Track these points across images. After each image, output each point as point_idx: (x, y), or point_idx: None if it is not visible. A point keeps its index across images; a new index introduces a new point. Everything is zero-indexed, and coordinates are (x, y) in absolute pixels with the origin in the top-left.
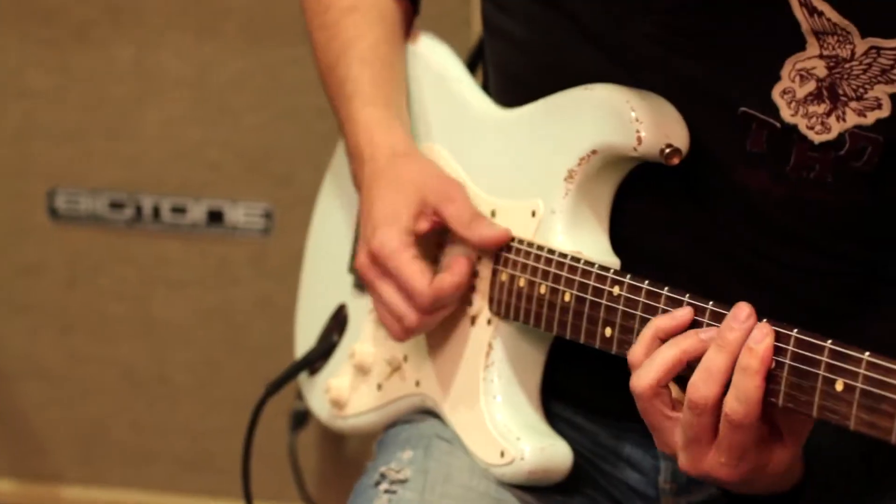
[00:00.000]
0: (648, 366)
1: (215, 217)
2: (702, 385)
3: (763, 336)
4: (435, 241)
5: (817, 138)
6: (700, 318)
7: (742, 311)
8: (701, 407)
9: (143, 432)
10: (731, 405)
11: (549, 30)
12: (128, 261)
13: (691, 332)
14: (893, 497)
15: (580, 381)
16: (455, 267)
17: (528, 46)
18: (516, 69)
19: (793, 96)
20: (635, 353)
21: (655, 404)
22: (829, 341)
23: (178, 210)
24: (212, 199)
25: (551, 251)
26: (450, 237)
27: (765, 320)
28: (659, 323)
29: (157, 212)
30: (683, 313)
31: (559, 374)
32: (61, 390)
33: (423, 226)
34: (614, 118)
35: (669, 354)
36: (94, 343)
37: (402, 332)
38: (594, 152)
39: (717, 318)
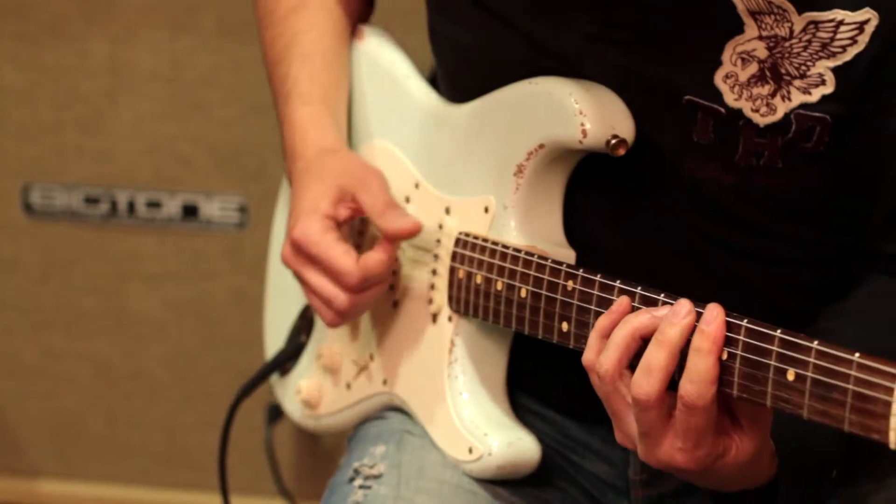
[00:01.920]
0: (605, 351)
1: (190, 211)
2: (644, 381)
3: (713, 318)
4: (357, 229)
5: (763, 121)
6: (637, 307)
7: (682, 307)
8: (644, 403)
9: (119, 427)
10: (686, 387)
11: (490, 36)
12: (103, 256)
13: (643, 309)
14: (873, 491)
15: (547, 377)
16: (380, 245)
17: (471, 52)
18: (461, 74)
19: (735, 80)
20: (587, 357)
21: (618, 388)
22: (779, 331)
23: (154, 205)
24: (187, 193)
25: (506, 247)
26: (370, 225)
27: (724, 313)
28: (601, 322)
29: (132, 206)
30: (620, 302)
31: (526, 369)
32: (36, 386)
33: (343, 213)
34: (559, 111)
35: (622, 333)
36: (70, 338)
37: (334, 317)
38: (541, 146)
39: (649, 303)
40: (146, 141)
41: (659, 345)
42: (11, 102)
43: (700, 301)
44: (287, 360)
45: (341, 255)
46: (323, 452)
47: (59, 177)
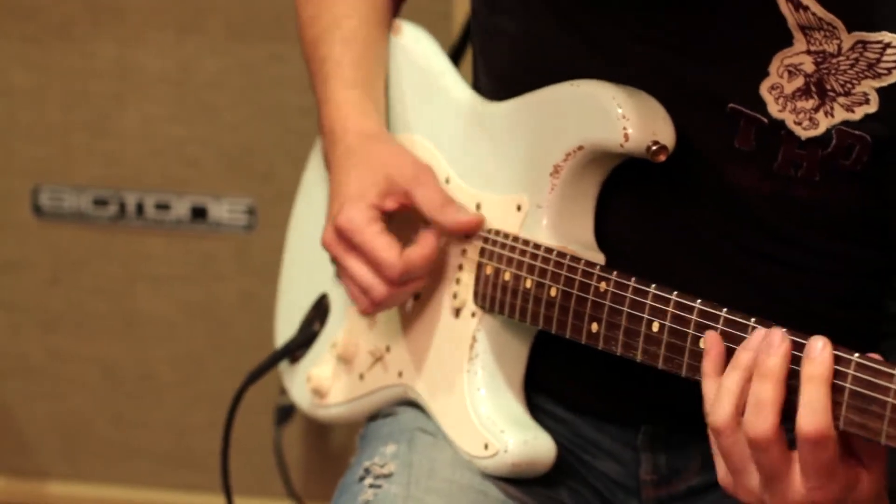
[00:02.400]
0: (718, 401)
1: (199, 213)
2: (756, 420)
3: (822, 347)
4: (397, 224)
5: (804, 134)
6: (712, 324)
7: (775, 336)
8: (763, 442)
9: (127, 428)
10: (807, 420)
11: (540, 28)
12: (111, 257)
13: (741, 348)
14: None
15: (560, 376)
16: (423, 240)
17: (518, 45)
18: (506, 67)
19: (780, 92)
20: (707, 405)
21: (739, 438)
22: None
23: (162, 206)
24: (195, 195)
25: (537, 245)
26: (411, 222)
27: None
28: (706, 369)
29: (140, 208)
30: (710, 340)
31: (539, 367)
32: (44, 387)
33: (390, 205)
34: (601, 114)
35: (733, 378)
36: (78, 339)
37: (369, 305)
38: (580, 148)
39: (703, 315)
40: (155, 143)
41: (762, 378)
42: (20, 104)
43: (731, 307)
44: (298, 347)
45: (385, 247)
46: (332, 454)
47: (67, 178)
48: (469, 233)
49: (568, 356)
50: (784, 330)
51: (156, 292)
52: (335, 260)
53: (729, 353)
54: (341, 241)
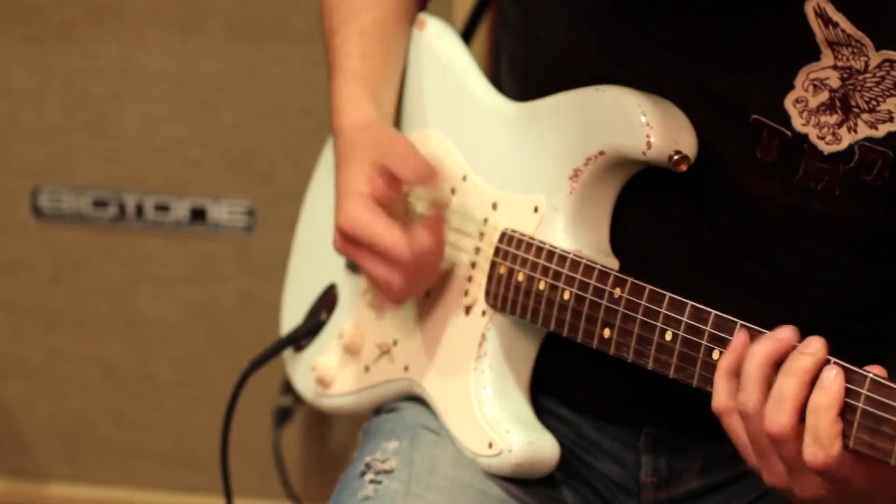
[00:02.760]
0: (744, 389)
1: (198, 214)
2: (777, 414)
3: (833, 377)
4: (402, 209)
5: (827, 149)
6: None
7: (816, 343)
8: (781, 436)
9: (128, 429)
10: (810, 449)
11: (564, 29)
12: (111, 258)
13: (762, 337)
14: None
15: (565, 379)
16: (429, 221)
17: (542, 46)
18: (529, 65)
19: (805, 105)
20: (719, 402)
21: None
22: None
23: (162, 208)
24: (195, 196)
25: (553, 247)
26: (412, 203)
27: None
28: (725, 363)
29: (140, 209)
30: (739, 338)
31: (545, 369)
32: (45, 388)
33: (381, 186)
34: (625, 121)
35: (755, 364)
36: (78, 340)
37: (396, 294)
38: (601, 153)
39: (718, 324)
40: (155, 144)
41: (789, 373)
42: (20, 105)
43: (743, 317)
44: (304, 336)
45: (389, 236)
46: (331, 455)
47: (67, 179)
48: (424, 180)
49: (573, 357)
50: (821, 339)
51: (156, 293)
52: (355, 262)
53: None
54: (349, 243)
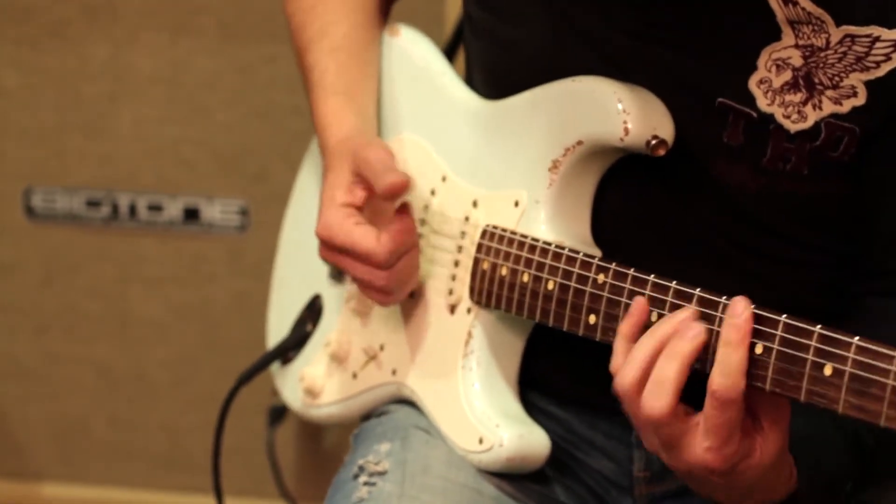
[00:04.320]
0: (629, 364)
1: (191, 214)
2: (654, 399)
3: (742, 310)
4: (390, 209)
5: (793, 127)
6: (680, 302)
7: (693, 324)
8: (658, 419)
9: (121, 430)
10: (718, 381)
11: (530, 27)
12: (104, 259)
13: (664, 319)
14: (885, 488)
15: (554, 371)
16: (395, 215)
17: (510, 45)
18: (502, 68)
19: (769, 86)
20: (615, 362)
21: (639, 402)
22: (819, 326)
23: (155, 208)
24: (188, 196)
25: (535, 239)
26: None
27: (753, 306)
28: (623, 329)
29: (133, 210)
30: (637, 305)
31: (533, 363)
32: (38, 389)
33: (359, 194)
34: (601, 109)
35: (644, 348)
36: (71, 341)
37: (382, 295)
38: (580, 143)
39: (704, 303)
40: (147, 144)
41: (670, 358)
42: (13, 105)
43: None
44: (290, 348)
45: (361, 236)
46: (325, 455)
47: (60, 180)
48: (396, 193)
49: (564, 353)
50: (700, 324)
51: (149, 293)
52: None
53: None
54: (329, 249)
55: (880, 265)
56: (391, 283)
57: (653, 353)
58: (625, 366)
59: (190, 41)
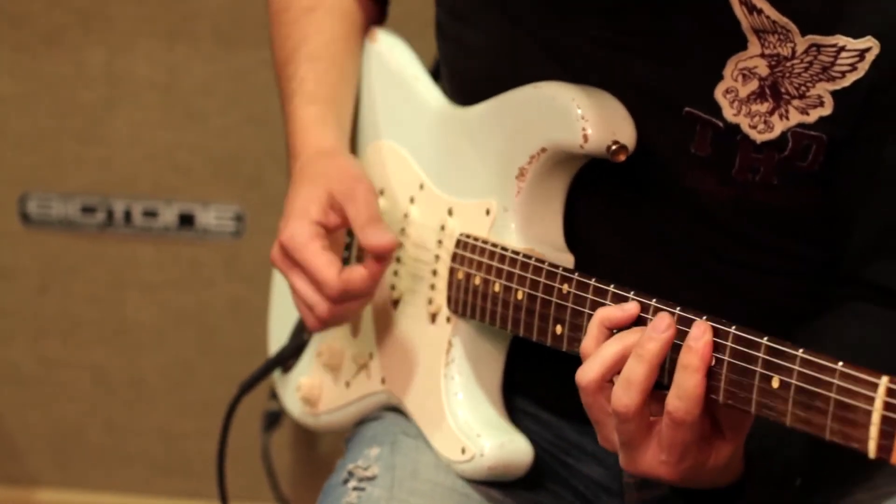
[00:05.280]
0: (592, 360)
1: (186, 220)
2: (623, 395)
3: (701, 334)
4: (340, 245)
5: (760, 137)
6: (645, 315)
7: (661, 321)
8: (623, 415)
9: (118, 435)
10: (674, 403)
11: (499, 36)
12: (100, 265)
13: (637, 328)
14: (835, 493)
15: (542, 380)
16: (366, 261)
17: (479, 52)
18: (468, 75)
19: (735, 95)
20: (585, 344)
21: (599, 399)
22: (766, 338)
23: (150, 214)
24: (183, 202)
25: (504, 249)
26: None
27: (704, 317)
28: (605, 313)
29: (128, 215)
30: (630, 306)
31: (522, 371)
32: (35, 394)
33: (332, 220)
34: (561, 116)
35: (613, 349)
36: (68, 347)
37: (315, 322)
38: (543, 150)
39: (684, 322)
40: (143, 150)
41: (639, 359)
42: (9, 112)
43: (695, 307)
44: (289, 357)
45: (324, 265)
46: (320, 459)
47: (55, 186)
48: (384, 253)
49: (551, 360)
50: (671, 317)
51: (144, 299)
52: (283, 275)
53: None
54: (286, 258)
55: (851, 272)
56: (329, 318)
57: (617, 358)
58: (592, 360)
59: (185, 47)
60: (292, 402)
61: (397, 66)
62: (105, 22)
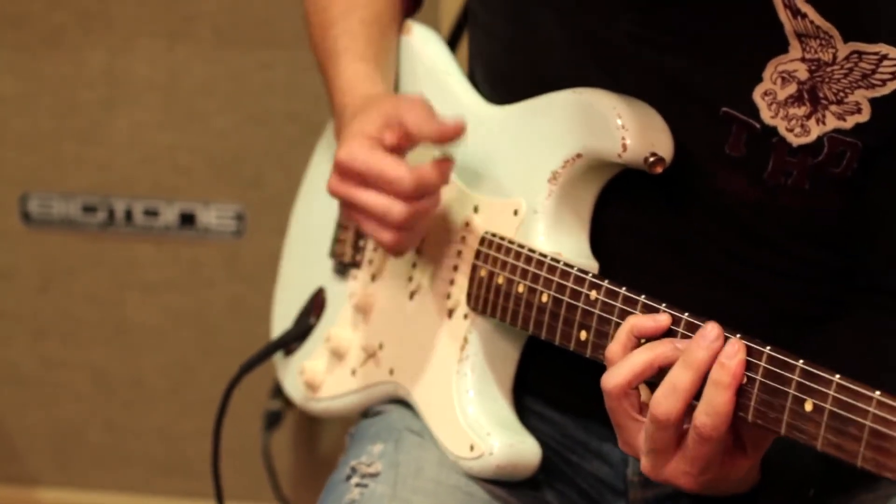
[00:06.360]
0: (621, 366)
1: (187, 220)
2: (664, 400)
3: (735, 352)
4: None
5: (796, 141)
6: (675, 328)
7: (712, 331)
8: (663, 422)
9: (118, 435)
10: (701, 419)
11: (532, 27)
12: (101, 264)
13: (667, 339)
14: (849, 497)
15: (550, 378)
16: (438, 160)
17: (512, 44)
18: (499, 65)
19: (773, 98)
20: (612, 349)
21: (623, 405)
22: (801, 361)
23: (151, 213)
24: (184, 201)
25: (532, 250)
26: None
27: (738, 335)
28: (636, 322)
29: (129, 215)
30: (662, 318)
31: (529, 368)
32: (35, 394)
33: (389, 137)
34: (600, 123)
35: (642, 358)
36: (68, 347)
37: (392, 234)
38: (579, 156)
39: (692, 328)
40: (144, 150)
41: (686, 366)
42: (9, 112)
43: (710, 308)
44: (293, 340)
45: (392, 163)
46: (321, 458)
47: (56, 186)
48: (454, 137)
49: (558, 358)
50: (720, 328)
51: (145, 299)
52: (345, 203)
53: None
54: (345, 178)
55: (875, 281)
56: (408, 220)
57: (646, 367)
58: (620, 366)
59: (186, 47)
60: (293, 385)
61: (430, 60)
62: (105, 22)
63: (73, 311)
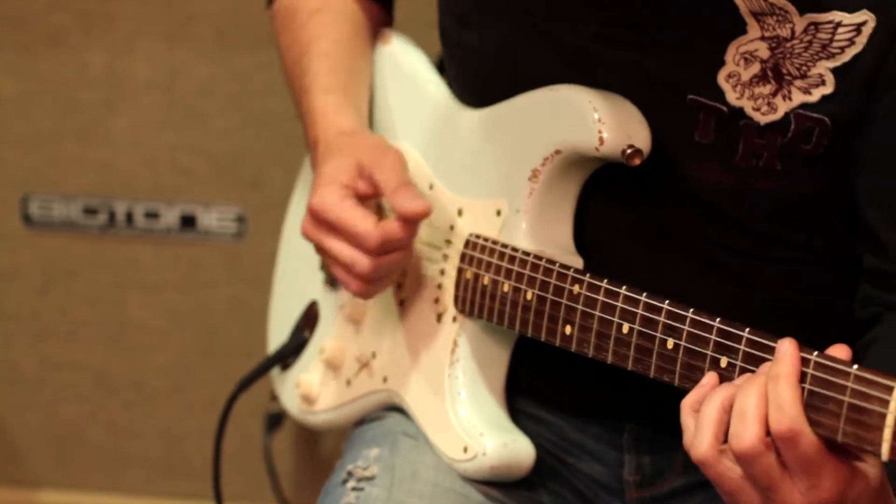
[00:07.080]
0: (698, 432)
1: (188, 222)
2: (742, 430)
3: (787, 347)
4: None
5: (763, 119)
6: (678, 326)
7: (788, 346)
8: (751, 453)
9: (119, 436)
10: (775, 417)
11: (505, 37)
12: (101, 266)
13: (722, 385)
14: None
15: (544, 379)
16: (404, 217)
17: (487, 56)
18: (476, 78)
19: (738, 79)
20: (686, 439)
21: (721, 466)
22: (856, 367)
23: (152, 215)
24: (185, 203)
25: (515, 250)
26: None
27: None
28: (687, 402)
29: (130, 217)
30: (707, 379)
31: (523, 370)
32: (36, 395)
33: (361, 187)
34: (577, 119)
35: (711, 408)
36: (69, 348)
37: (358, 283)
38: (557, 152)
39: (697, 325)
40: (144, 151)
41: (744, 391)
42: (10, 113)
43: (704, 301)
44: (289, 354)
45: (360, 217)
46: (321, 461)
47: (57, 187)
48: (417, 219)
49: (551, 359)
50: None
51: (146, 300)
52: (316, 247)
53: (693, 349)
54: (318, 224)
55: None
56: (373, 273)
57: (720, 413)
58: (697, 432)
59: (186, 48)
60: (291, 399)
61: (408, 67)
62: (106, 23)
63: (74, 313)
